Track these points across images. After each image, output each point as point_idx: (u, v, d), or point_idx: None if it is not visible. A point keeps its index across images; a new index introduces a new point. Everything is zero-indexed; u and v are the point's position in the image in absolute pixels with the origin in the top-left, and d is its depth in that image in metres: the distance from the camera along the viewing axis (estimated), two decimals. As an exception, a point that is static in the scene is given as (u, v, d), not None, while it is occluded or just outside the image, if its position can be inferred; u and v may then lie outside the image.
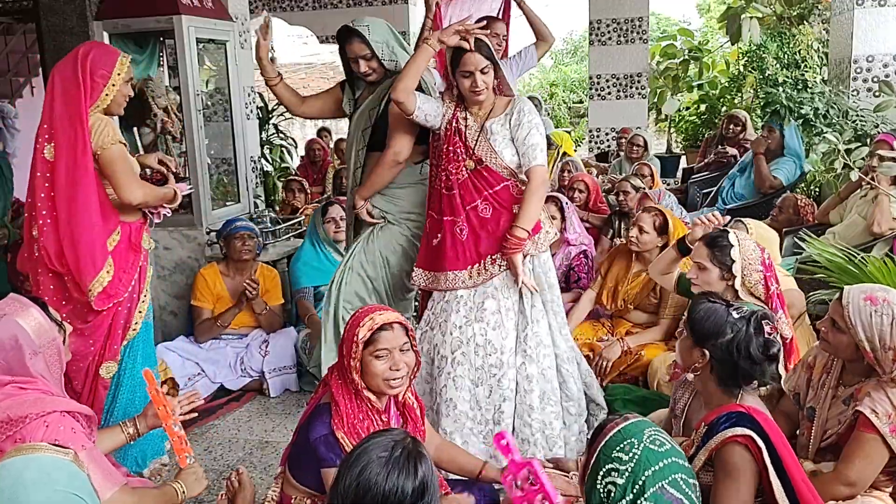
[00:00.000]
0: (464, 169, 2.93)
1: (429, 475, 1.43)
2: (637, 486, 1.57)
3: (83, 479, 1.62)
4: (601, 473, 1.61)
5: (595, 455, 1.66)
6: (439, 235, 2.97)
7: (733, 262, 2.62)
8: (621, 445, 1.61)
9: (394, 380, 2.01)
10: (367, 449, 1.45)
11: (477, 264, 2.93)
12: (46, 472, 1.53)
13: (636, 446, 1.60)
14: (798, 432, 2.37)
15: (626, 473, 1.58)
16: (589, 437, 1.74)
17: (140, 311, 2.83)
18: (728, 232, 2.70)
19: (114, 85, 2.62)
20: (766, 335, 2.03)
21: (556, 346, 3.01)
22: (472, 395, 2.87)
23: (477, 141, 2.92)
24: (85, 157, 2.55)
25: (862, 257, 3.19)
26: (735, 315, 2.06)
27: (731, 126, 6.71)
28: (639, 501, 1.56)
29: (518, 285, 2.88)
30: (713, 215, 2.89)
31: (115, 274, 2.68)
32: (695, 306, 2.15)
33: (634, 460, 1.59)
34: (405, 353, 2.03)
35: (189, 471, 2.15)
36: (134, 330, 2.83)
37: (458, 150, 2.93)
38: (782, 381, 2.45)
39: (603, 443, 1.65)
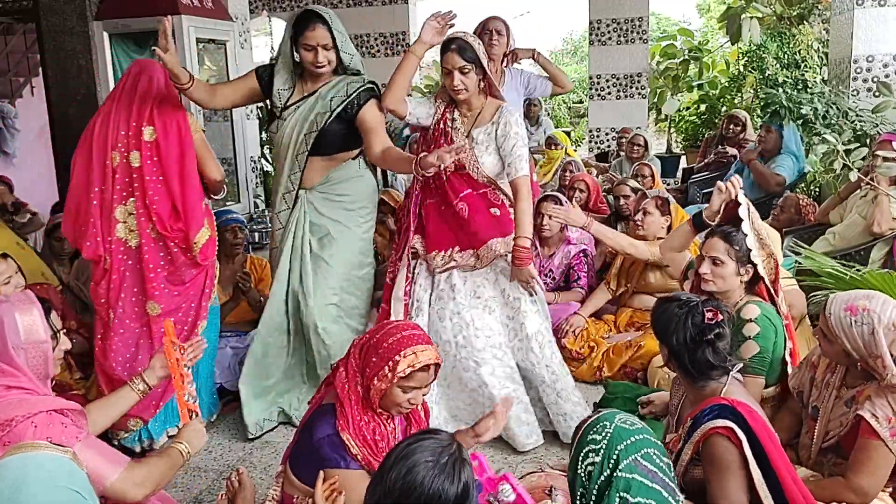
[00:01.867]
0: (445, 168, 2.99)
1: (471, 481, 1.48)
2: (612, 461, 1.64)
3: (83, 477, 1.62)
4: (580, 458, 1.68)
5: (575, 446, 1.72)
6: (423, 212, 3.13)
7: (750, 250, 2.53)
8: (595, 428, 1.69)
9: (407, 409, 2.02)
10: (415, 450, 1.47)
11: (450, 249, 3.06)
12: (47, 470, 1.53)
13: (608, 427, 1.68)
14: (801, 430, 2.38)
15: (602, 451, 1.65)
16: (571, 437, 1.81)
17: (216, 277, 3.28)
18: (741, 222, 2.57)
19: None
20: (707, 321, 2.08)
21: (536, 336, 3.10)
22: (477, 377, 3.00)
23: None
24: (188, 134, 3.07)
25: (856, 269, 3.17)
26: (676, 307, 2.13)
27: (732, 126, 6.70)
28: (615, 474, 1.62)
29: (528, 288, 3.04)
30: (734, 180, 2.71)
31: (211, 230, 3.14)
32: (654, 307, 2.24)
33: (607, 437, 1.66)
34: (427, 389, 2.03)
35: (189, 427, 2.12)
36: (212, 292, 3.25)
37: (443, 145, 2.99)
38: (788, 380, 2.46)
39: (580, 432, 1.73)
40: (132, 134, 3.00)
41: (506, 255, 3.04)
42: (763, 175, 5.35)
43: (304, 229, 3.20)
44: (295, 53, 3.06)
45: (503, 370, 3.03)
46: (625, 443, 1.65)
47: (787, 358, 2.59)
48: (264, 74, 3.16)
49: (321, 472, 1.95)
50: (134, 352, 3.07)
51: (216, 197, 3.34)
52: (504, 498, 1.64)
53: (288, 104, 3.12)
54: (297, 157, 3.14)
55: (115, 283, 3.04)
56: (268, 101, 3.21)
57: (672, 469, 1.71)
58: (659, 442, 1.73)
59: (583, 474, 1.67)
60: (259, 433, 3.25)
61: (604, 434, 1.66)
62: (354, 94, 3.08)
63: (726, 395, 2.04)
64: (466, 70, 2.89)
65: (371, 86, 3.15)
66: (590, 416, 1.77)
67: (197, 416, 2.19)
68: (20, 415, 1.78)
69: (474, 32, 3.85)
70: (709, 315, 2.10)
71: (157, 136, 3.01)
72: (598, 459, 1.65)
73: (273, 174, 3.36)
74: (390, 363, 1.92)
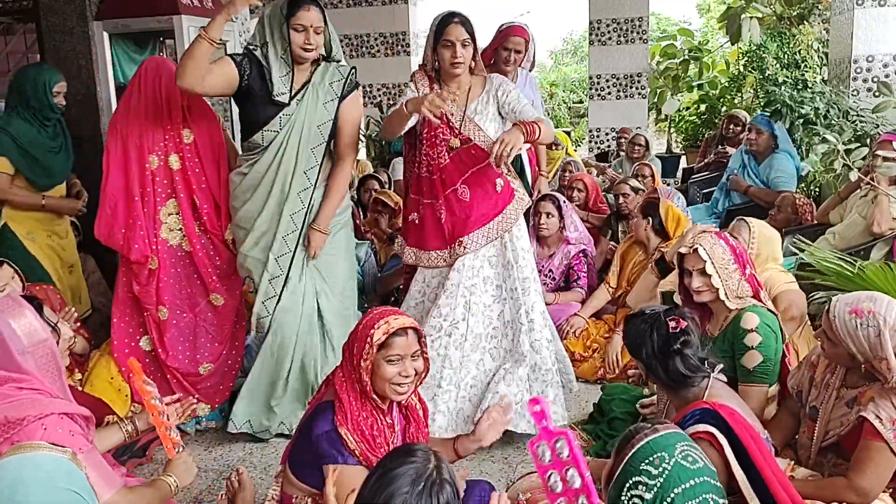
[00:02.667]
0: (445, 153, 2.99)
1: (451, 501, 1.47)
2: (665, 502, 1.52)
3: (81, 477, 1.62)
4: (627, 485, 1.56)
5: (622, 465, 1.60)
6: (416, 214, 3.16)
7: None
8: (651, 459, 1.56)
9: (401, 385, 2.02)
10: (393, 478, 1.46)
11: (453, 245, 3.12)
12: (45, 470, 1.53)
13: (667, 461, 1.54)
14: (800, 430, 2.38)
15: (655, 489, 1.53)
16: (617, 443, 1.70)
17: None
18: (698, 245, 2.58)
19: None
20: (671, 330, 2.10)
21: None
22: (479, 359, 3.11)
23: (462, 122, 3.04)
24: (220, 133, 3.23)
25: (860, 266, 3.18)
26: (641, 324, 2.15)
27: (732, 126, 6.69)
28: None
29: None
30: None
31: None
32: (624, 325, 2.27)
33: (664, 476, 1.53)
34: (415, 360, 2.04)
35: (178, 461, 2.13)
36: None
37: (439, 134, 2.99)
38: (787, 379, 2.47)
39: (631, 453, 1.60)
40: (169, 137, 3.12)
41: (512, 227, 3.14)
42: (765, 198, 5.12)
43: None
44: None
45: (500, 352, 3.13)
46: (682, 487, 1.51)
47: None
48: (244, 65, 2.90)
49: (329, 470, 1.95)
50: (192, 340, 3.25)
51: None
52: (559, 453, 1.56)
53: (290, 98, 2.95)
54: (312, 151, 3.01)
55: (165, 282, 3.20)
56: (244, 95, 2.95)
57: None
58: (719, 484, 1.61)
59: (626, 502, 1.56)
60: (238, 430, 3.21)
61: (660, 470, 1.53)
62: (349, 76, 3.03)
63: (709, 398, 2.04)
64: (467, 44, 2.95)
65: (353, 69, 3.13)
66: (644, 431, 1.64)
67: (183, 449, 2.19)
68: (32, 415, 1.78)
69: (495, 40, 3.87)
70: (672, 325, 2.11)
71: (195, 138, 3.14)
72: (648, 496, 1.53)
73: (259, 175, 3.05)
74: (368, 338, 1.99)
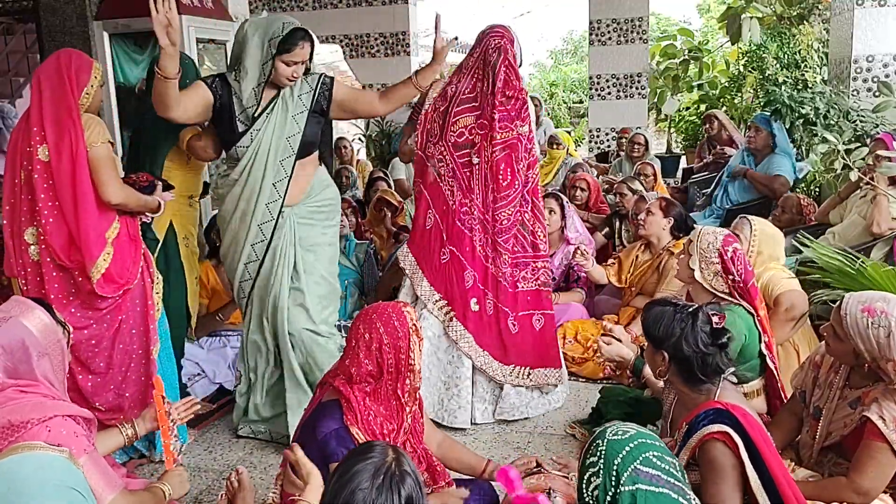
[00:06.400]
0: None
1: (414, 492, 1.47)
2: (612, 477, 1.56)
3: (79, 475, 1.62)
4: (584, 483, 1.62)
5: (578, 473, 1.66)
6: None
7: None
8: (591, 450, 1.62)
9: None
10: (352, 476, 1.47)
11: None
12: (42, 469, 1.53)
13: (601, 445, 1.61)
14: (802, 430, 2.38)
15: (601, 471, 1.58)
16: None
17: (157, 293, 3.00)
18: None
19: (92, 86, 2.77)
20: (714, 325, 2.10)
21: None
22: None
23: None
24: (80, 152, 2.68)
25: (861, 261, 3.18)
26: (681, 313, 2.13)
27: (707, 126, 6.86)
28: (619, 491, 1.55)
29: None
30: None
31: (117, 261, 2.79)
32: (645, 313, 2.24)
33: (603, 455, 1.59)
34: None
35: (174, 472, 2.18)
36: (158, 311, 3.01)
37: None
38: (790, 379, 2.47)
39: (581, 457, 1.67)
40: (31, 151, 2.70)
41: None
42: (763, 182, 5.22)
43: (290, 242, 3.05)
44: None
45: None
46: (620, 455, 1.58)
47: (765, 350, 2.67)
48: (216, 87, 2.94)
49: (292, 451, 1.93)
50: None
51: (153, 214, 2.99)
52: None
53: (259, 113, 2.95)
54: (281, 164, 2.99)
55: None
56: (216, 114, 2.97)
57: (679, 466, 1.65)
58: (659, 443, 1.66)
59: (590, 501, 1.60)
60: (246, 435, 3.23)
61: (598, 453, 1.60)
62: (319, 84, 3.04)
63: (720, 399, 2.04)
64: None
65: (323, 72, 3.14)
66: (588, 441, 1.71)
67: (181, 465, 2.24)
68: (36, 418, 1.78)
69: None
70: (716, 320, 2.11)
71: (51, 155, 2.68)
72: (599, 481, 1.58)
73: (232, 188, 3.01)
74: (412, 349, 2.07)
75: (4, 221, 2.79)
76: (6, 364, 1.91)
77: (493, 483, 2.32)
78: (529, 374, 3.30)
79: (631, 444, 1.59)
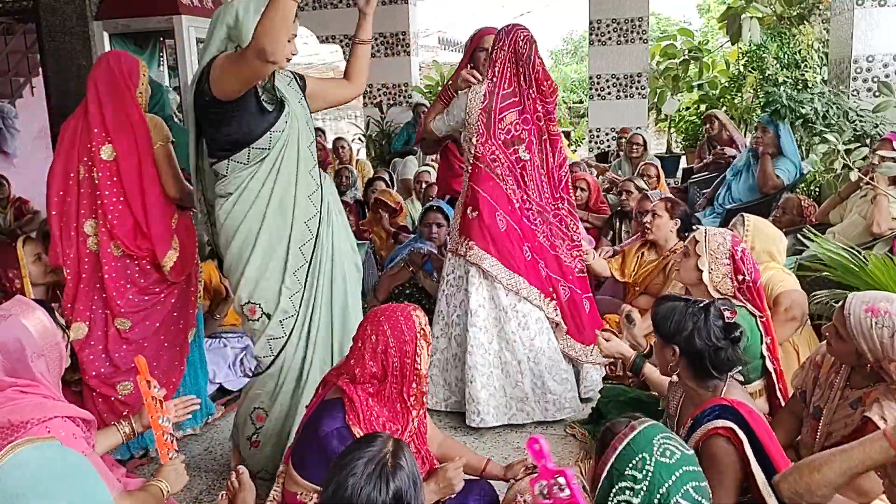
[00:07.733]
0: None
1: (405, 486, 1.47)
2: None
3: (77, 455, 1.61)
4: (614, 490, 1.59)
5: (606, 470, 1.63)
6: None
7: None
8: (634, 462, 1.59)
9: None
10: (346, 464, 1.49)
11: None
12: (41, 459, 1.52)
13: (648, 462, 1.58)
14: (802, 430, 2.38)
15: (642, 493, 1.56)
16: (597, 444, 1.73)
17: (200, 281, 3.25)
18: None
19: (143, 84, 2.95)
20: (727, 320, 2.11)
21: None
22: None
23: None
24: (149, 151, 2.90)
25: (864, 255, 3.19)
26: (693, 308, 2.14)
27: (707, 126, 6.85)
28: None
29: None
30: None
31: (182, 250, 3.02)
32: (655, 308, 2.24)
33: (649, 478, 1.56)
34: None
35: (170, 467, 2.14)
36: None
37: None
38: (790, 379, 2.47)
39: (614, 457, 1.63)
40: (93, 152, 2.85)
41: None
42: (765, 173, 5.24)
43: (333, 232, 2.76)
44: None
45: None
46: (666, 485, 1.55)
47: (766, 352, 2.67)
48: None
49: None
50: (107, 356, 2.93)
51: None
52: (557, 492, 1.55)
53: (272, 98, 2.62)
54: (309, 148, 2.69)
55: (85, 294, 2.91)
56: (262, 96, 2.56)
57: (708, 491, 1.65)
58: (698, 469, 1.65)
59: None
60: None
61: (644, 473, 1.57)
62: (295, 77, 2.79)
63: (726, 395, 2.05)
64: None
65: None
66: (623, 432, 1.66)
67: (177, 454, 2.19)
68: (36, 418, 1.78)
69: (471, 43, 3.97)
70: (728, 314, 2.12)
71: (117, 155, 2.84)
72: (636, 501, 1.56)
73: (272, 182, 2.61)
74: (418, 354, 2.06)
75: (54, 212, 2.90)
76: (3, 362, 1.91)
77: (492, 483, 2.33)
78: (592, 351, 3.41)
79: (677, 472, 1.58)
